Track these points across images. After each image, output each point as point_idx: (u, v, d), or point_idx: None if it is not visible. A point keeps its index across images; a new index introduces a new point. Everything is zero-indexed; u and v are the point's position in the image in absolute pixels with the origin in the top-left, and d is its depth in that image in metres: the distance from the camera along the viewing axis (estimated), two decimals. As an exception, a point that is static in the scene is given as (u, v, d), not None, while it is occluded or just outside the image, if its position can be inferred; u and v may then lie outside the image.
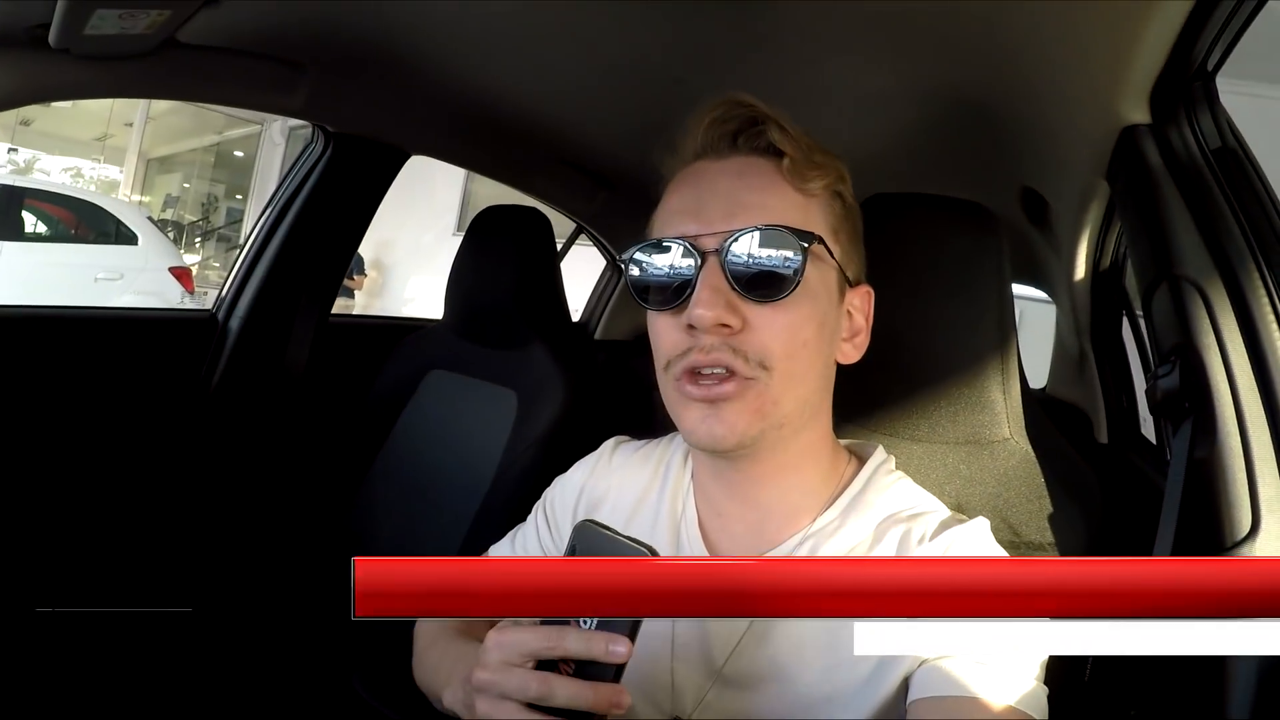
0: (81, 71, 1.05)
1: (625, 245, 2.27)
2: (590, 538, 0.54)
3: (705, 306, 0.63)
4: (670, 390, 0.69)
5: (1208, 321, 0.77)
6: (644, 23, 1.13)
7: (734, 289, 0.64)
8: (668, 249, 0.67)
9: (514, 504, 1.29)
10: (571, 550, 0.55)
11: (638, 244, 0.69)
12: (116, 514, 1.44)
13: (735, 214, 0.66)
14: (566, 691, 0.51)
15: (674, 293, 0.67)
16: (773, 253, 0.65)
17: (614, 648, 0.50)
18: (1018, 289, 1.09)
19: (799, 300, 0.66)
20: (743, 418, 0.65)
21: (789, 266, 0.65)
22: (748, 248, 0.65)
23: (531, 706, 0.52)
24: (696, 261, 0.65)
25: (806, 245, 0.65)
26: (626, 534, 0.53)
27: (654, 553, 0.51)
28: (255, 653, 1.49)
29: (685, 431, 0.68)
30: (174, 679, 1.42)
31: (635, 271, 0.69)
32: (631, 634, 0.51)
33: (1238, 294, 0.77)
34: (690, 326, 0.65)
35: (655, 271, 0.68)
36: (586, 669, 0.52)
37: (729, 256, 0.64)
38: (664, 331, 0.68)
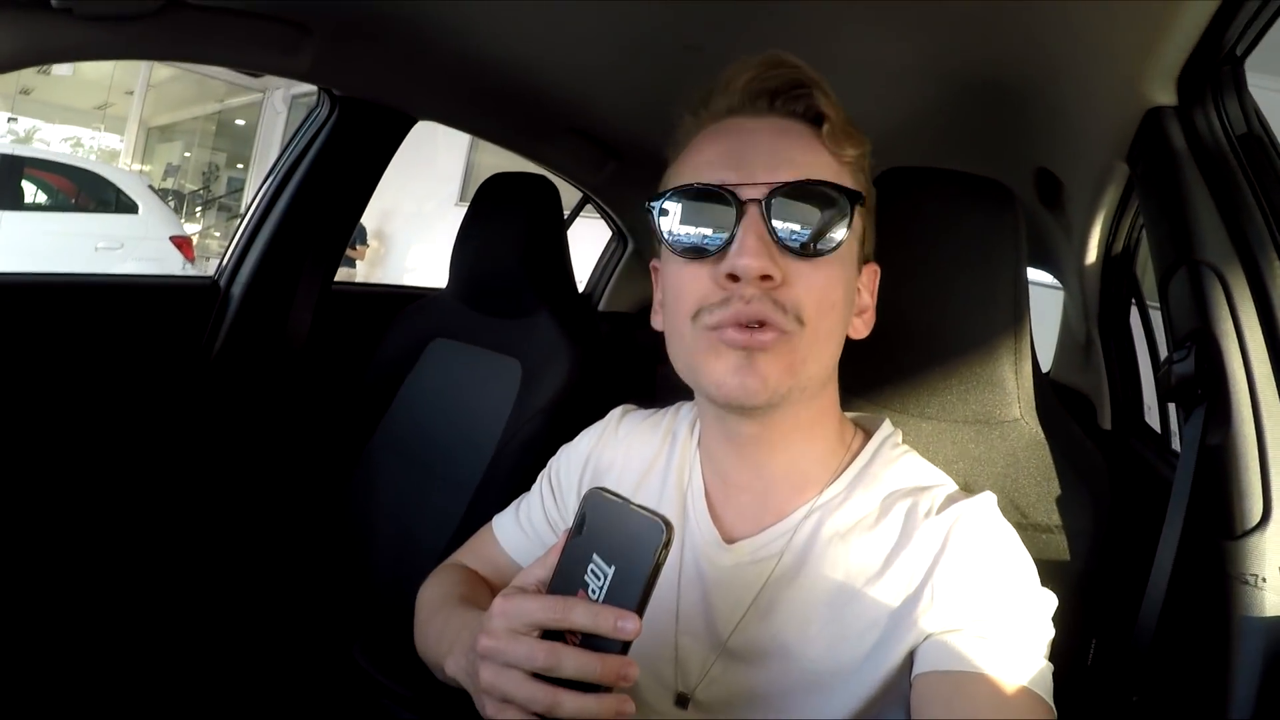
0: (83, 32, 1.03)
1: (635, 213, 2.25)
2: (600, 506, 0.53)
3: (752, 256, 0.61)
4: (698, 341, 0.66)
5: (1226, 308, 0.76)
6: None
7: (776, 241, 0.63)
8: (705, 196, 0.65)
9: (518, 473, 1.30)
10: (581, 519, 0.54)
11: (670, 189, 0.67)
12: (118, 482, 1.44)
13: (779, 167, 0.64)
14: (574, 662, 0.50)
15: (709, 241, 0.64)
16: (819, 208, 0.63)
17: (622, 624, 0.50)
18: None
19: (834, 260, 0.65)
20: (775, 370, 0.63)
21: (835, 224, 0.64)
22: (793, 200, 0.63)
23: (536, 677, 0.52)
24: (737, 210, 0.63)
25: (853, 206, 0.65)
26: (636, 502, 0.53)
27: (665, 521, 0.51)
28: (257, 623, 1.50)
29: (713, 384, 0.65)
30: (175, 648, 1.43)
31: (668, 217, 0.66)
32: (640, 609, 0.50)
33: (1258, 281, 0.76)
34: (730, 277, 0.62)
35: (691, 219, 0.65)
36: (593, 640, 0.51)
37: (774, 208, 0.63)
38: (693, 280, 0.65)
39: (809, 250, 0.63)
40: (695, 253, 0.65)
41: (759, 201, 0.63)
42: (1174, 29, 0.81)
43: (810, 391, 0.67)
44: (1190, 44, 0.82)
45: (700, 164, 0.67)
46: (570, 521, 0.57)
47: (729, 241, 0.63)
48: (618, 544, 0.52)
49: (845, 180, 0.67)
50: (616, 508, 0.53)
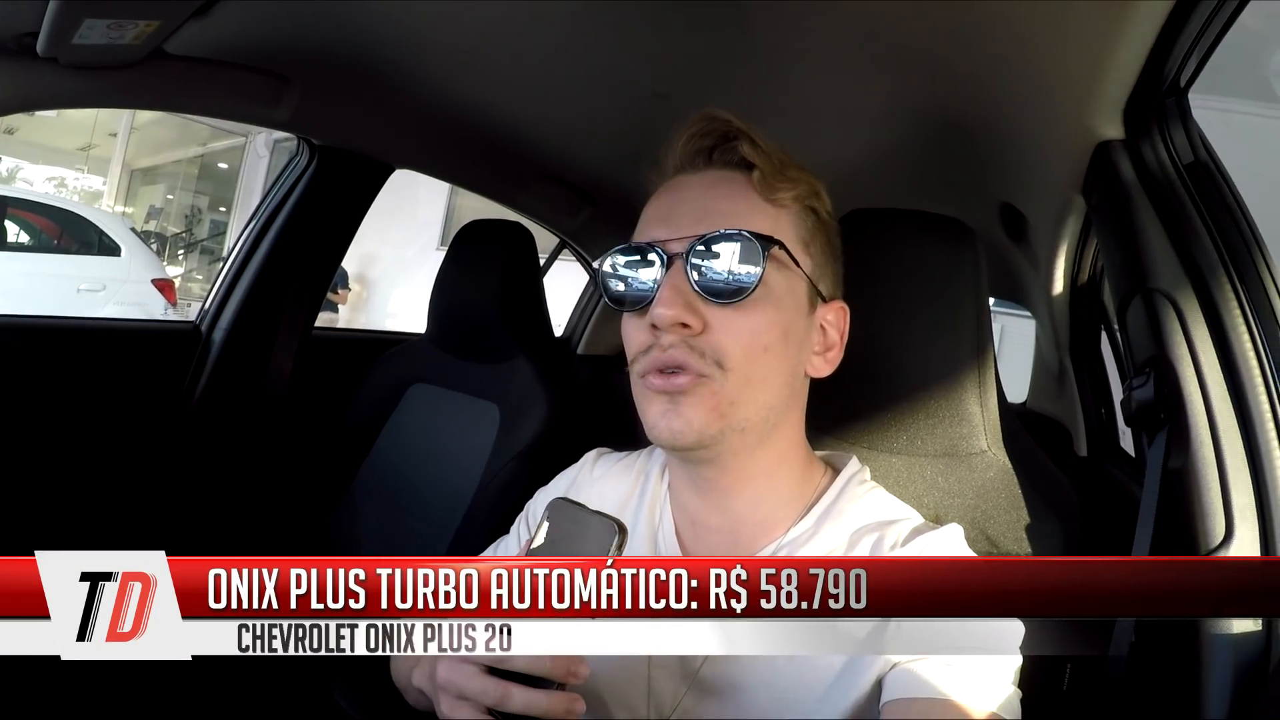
0: (69, 80, 1.05)
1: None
2: (562, 512, 0.58)
3: (665, 305, 0.65)
4: (636, 388, 0.70)
5: (1181, 333, 0.78)
6: (629, 39, 1.14)
7: (695, 290, 0.66)
8: (639, 253, 0.69)
9: (496, 517, 1.29)
10: (546, 526, 0.57)
11: (613, 249, 0.71)
12: (97, 527, 1.42)
13: (703, 220, 0.67)
14: (521, 698, 0.54)
15: (642, 294, 0.69)
16: (734, 257, 0.66)
17: (573, 666, 0.54)
18: (999, 305, 1.09)
19: (760, 305, 0.67)
20: (699, 413, 0.66)
21: (748, 270, 0.66)
22: (710, 251, 0.66)
23: (491, 711, 0.55)
24: (663, 264, 0.67)
25: (766, 250, 0.67)
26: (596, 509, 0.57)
27: (618, 522, 0.55)
28: (236, 665, 1.47)
29: (648, 428, 0.69)
30: (156, 692, 1.40)
31: (608, 274, 0.71)
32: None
33: (1210, 306, 0.78)
34: (654, 326, 0.66)
35: (626, 274, 0.70)
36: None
37: (692, 259, 0.66)
38: (631, 331, 0.70)
39: (728, 297, 0.66)
40: (631, 305, 0.70)
41: (681, 254, 0.67)
42: (1115, 64, 0.84)
43: (756, 434, 0.69)
44: (1132, 78, 0.85)
45: (643, 224, 0.72)
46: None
47: (654, 293, 0.67)
48: (576, 547, 0.55)
49: (781, 222, 0.70)
50: (575, 512, 0.57)
